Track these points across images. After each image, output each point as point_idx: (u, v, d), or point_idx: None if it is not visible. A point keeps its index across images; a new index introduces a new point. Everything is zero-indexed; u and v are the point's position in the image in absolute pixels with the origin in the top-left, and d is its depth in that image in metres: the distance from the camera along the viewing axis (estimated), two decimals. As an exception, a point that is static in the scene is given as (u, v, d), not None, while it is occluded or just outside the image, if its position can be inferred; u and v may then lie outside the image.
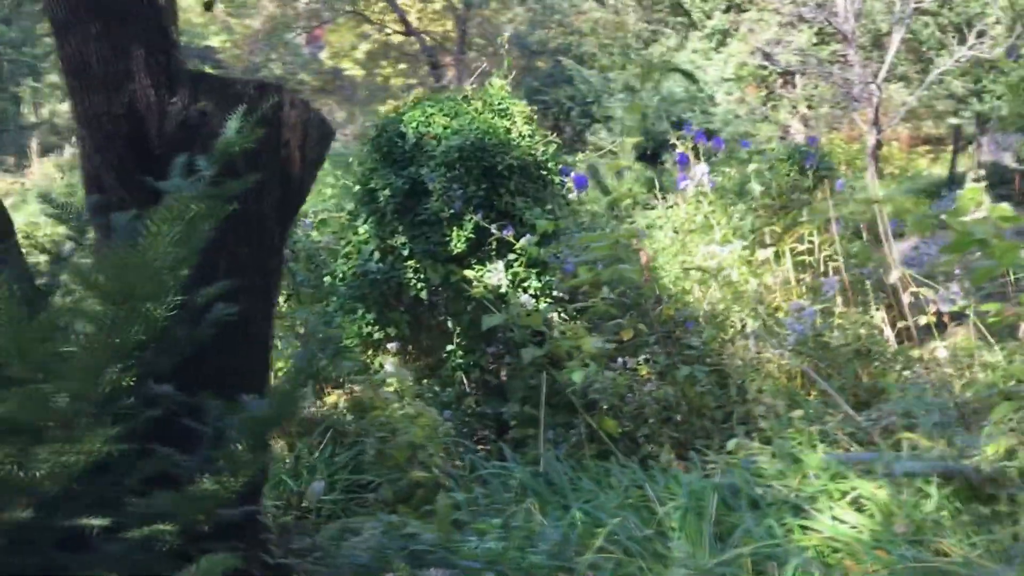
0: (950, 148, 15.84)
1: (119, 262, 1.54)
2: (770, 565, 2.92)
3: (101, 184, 2.70)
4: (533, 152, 5.13)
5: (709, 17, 15.04)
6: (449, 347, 5.02)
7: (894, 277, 4.88)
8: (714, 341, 5.00)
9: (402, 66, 23.12)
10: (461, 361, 4.99)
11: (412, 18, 20.90)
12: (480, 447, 4.70)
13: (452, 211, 4.85)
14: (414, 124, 5.06)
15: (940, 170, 14.97)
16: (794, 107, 15.69)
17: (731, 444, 4.39)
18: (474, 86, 5.33)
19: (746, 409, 4.82)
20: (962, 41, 12.64)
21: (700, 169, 5.50)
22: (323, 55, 23.76)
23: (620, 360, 4.75)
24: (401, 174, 4.98)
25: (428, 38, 21.09)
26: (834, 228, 5.04)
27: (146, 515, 1.86)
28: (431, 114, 5.08)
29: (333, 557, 3.01)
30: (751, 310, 5.10)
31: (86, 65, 2.64)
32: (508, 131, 5.08)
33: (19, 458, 1.61)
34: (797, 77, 16.23)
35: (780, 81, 16.37)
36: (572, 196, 5.63)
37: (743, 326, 5.12)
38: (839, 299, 4.78)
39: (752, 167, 5.74)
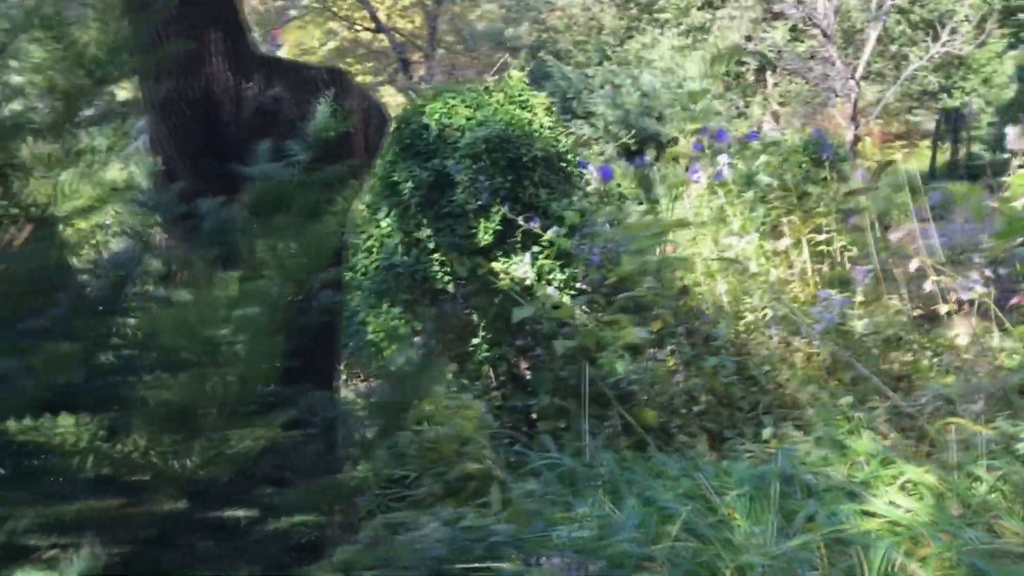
0: (922, 143, 16.11)
1: (307, 237, 1.49)
2: (850, 549, 2.93)
3: (172, 172, 2.63)
4: (555, 144, 5.11)
5: (685, 14, 15.14)
6: (475, 340, 4.98)
7: (914, 266, 4.93)
8: (730, 332, 5.02)
9: (370, 64, 22.95)
10: (487, 355, 4.95)
11: (381, 14, 20.75)
12: (510, 440, 4.66)
13: (479, 203, 4.81)
14: (436, 116, 5.01)
15: (916, 165, 15.21)
16: (766, 101, 15.84)
17: (766, 433, 4.41)
18: (496, 78, 5.28)
19: (771, 399, 4.85)
20: (936, 38, 12.88)
21: (722, 159, 5.52)
22: (281, 53, 23.51)
23: (651, 351, 4.75)
24: (425, 166, 4.93)
25: (397, 35, 20.94)
26: (873, 217, 5.09)
27: (285, 506, 1.81)
28: (453, 105, 5.03)
29: (401, 551, 2.96)
30: (772, 300, 5.13)
31: (160, 48, 2.56)
32: (530, 123, 5.05)
33: (179, 447, 1.55)
34: (768, 74, 16.41)
35: (753, 78, 16.54)
36: (590, 188, 5.61)
37: (764, 316, 5.15)
38: (859, 288, 4.82)
39: (763, 158, 5.77)
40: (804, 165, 5.67)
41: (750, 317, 5.34)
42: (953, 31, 12.96)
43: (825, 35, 11.91)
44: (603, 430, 4.48)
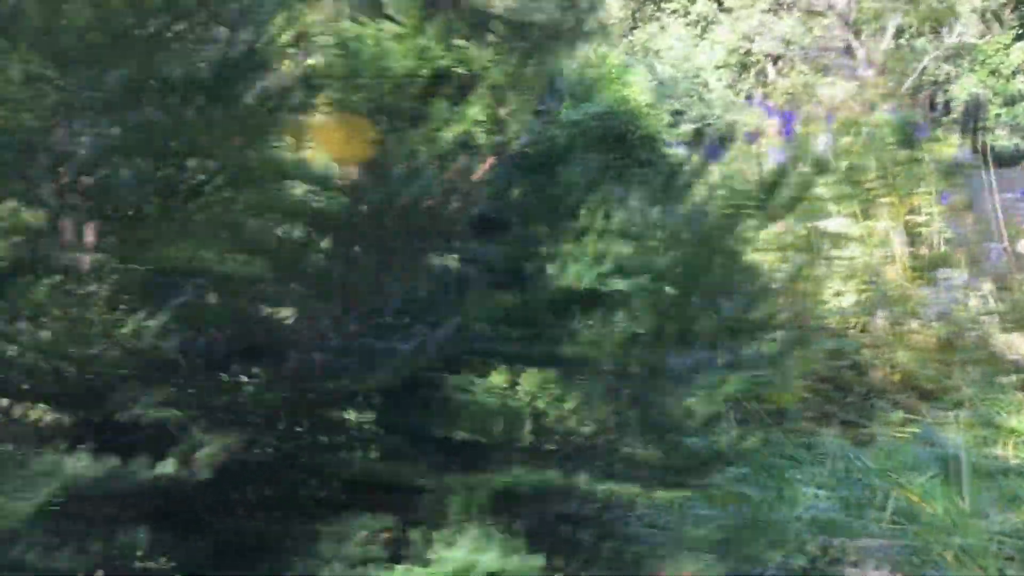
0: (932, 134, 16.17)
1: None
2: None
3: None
4: (654, 122, 4.97)
5: (692, 3, 15.06)
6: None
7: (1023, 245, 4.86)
8: (839, 314, 4.92)
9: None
10: (589, 338, 4.80)
11: None
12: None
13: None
14: (537, 91, 4.84)
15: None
16: (774, 91, 15.80)
17: (895, 416, 4.32)
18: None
19: (876, 381, 4.76)
20: (950, 28, 12.90)
21: (824, 139, 5.41)
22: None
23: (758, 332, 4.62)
24: (528, 143, 4.76)
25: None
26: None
27: (642, 478, 1.65)
28: (554, 81, 4.86)
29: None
30: (870, 282, 5.03)
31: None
32: (631, 100, 4.91)
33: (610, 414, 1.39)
34: (769, 66, 16.38)
35: (757, 69, 16.49)
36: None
37: (864, 298, 5.04)
38: (992, 267, 4.74)
39: (846, 139, 5.66)
40: (892, 146, 5.57)
41: (834, 303, 5.22)
42: (965, 22, 13.00)
43: (846, 23, 11.85)
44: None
